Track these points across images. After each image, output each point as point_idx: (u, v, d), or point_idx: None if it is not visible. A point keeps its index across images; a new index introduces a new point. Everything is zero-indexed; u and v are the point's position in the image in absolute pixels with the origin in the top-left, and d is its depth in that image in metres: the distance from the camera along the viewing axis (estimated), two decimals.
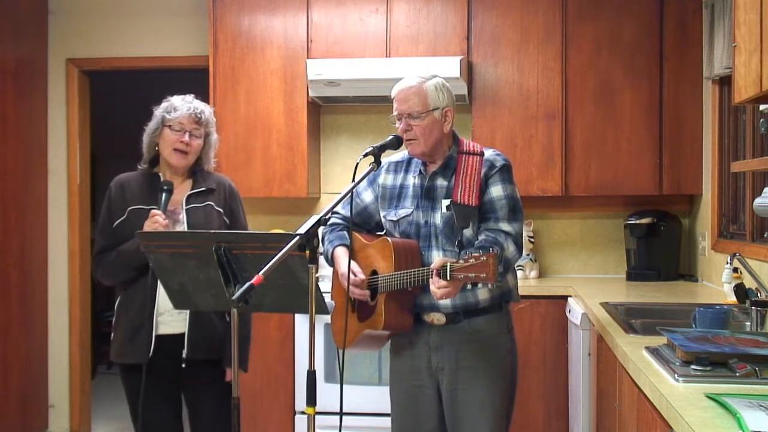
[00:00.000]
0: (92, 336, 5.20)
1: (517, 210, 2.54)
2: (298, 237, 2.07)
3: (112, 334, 2.82)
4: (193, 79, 4.61)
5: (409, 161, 2.65)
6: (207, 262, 2.31)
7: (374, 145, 2.48)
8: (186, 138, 2.78)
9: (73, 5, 4.77)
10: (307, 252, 2.08)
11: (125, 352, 2.77)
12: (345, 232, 2.68)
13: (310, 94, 4.20)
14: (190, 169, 2.88)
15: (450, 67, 3.86)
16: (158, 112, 2.84)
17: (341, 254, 2.61)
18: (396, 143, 2.55)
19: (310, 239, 2.08)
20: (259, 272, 1.97)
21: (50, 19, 4.78)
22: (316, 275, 2.12)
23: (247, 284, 1.97)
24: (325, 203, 4.14)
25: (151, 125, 2.84)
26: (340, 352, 2.55)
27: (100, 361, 6.51)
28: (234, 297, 2.00)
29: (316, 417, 2.14)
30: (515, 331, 2.66)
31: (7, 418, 4.38)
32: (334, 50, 4.22)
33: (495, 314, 2.57)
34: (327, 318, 3.70)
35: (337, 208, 2.69)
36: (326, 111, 4.58)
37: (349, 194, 2.43)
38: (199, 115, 2.81)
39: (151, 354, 2.70)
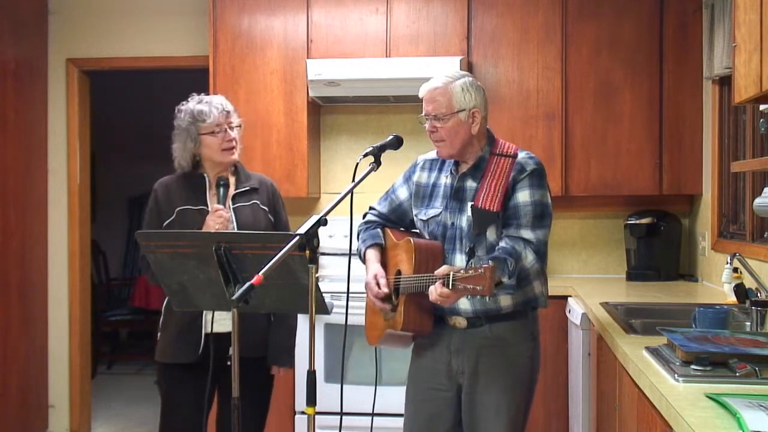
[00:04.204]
0: (92, 336, 5.21)
1: (544, 216, 2.48)
2: (298, 237, 2.07)
3: (159, 334, 2.85)
4: (193, 79, 4.62)
5: (443, 159, 2.63)
6: (207, 262, 2.31)
7: (374, 145, 2.48)
8: (230, 134, 2.81)
9: (73, 5, 4.77)
10: (307, 252, 2.08)
11: (173, 351, 2.79)
12: (379, 230, 2.68)
13: (310, 94, 4.20)
14: (232, 169, 2.89)
15: (450, 67, 3.86)
16: (183, 125, 2.81)
17: (371, 258, 2.61)
18: (396, 143, 2.54)
19: (310, 239, 2.08)
20: (259, 272, 1.97)
21: (50, 19, 4.77)
22: (316, 275, 2.12)
23: (247, 284, 1.97)
24: (325, 203, 4.14)
25: (185, 142, 2.81)
26: (374, 349, 2.54)
27: (100, 361, 6.52)
28: (234, 297, 2.00)
29: (316, 417, 2.14)
30: (540, 338, 2.63)
31: (7, 418, 4.38)
32: (334, 50, 4.22)
33: (519, 321, 2.53)
34: (327, 318, 3.71)
35: (373, 204, 2.71)
36: (326, 111, 4.58)
37: (350, 194, 2.41)
38: (227, 109, 2.84)
39: (202, 353, 2.73)
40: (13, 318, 4.45)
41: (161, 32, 4.72)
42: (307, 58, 4.21)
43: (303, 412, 3.94)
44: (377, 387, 2.76)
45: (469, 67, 4.14)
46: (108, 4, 4.76)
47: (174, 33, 4.70)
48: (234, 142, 2.83)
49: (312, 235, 2.09)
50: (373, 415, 2.65)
